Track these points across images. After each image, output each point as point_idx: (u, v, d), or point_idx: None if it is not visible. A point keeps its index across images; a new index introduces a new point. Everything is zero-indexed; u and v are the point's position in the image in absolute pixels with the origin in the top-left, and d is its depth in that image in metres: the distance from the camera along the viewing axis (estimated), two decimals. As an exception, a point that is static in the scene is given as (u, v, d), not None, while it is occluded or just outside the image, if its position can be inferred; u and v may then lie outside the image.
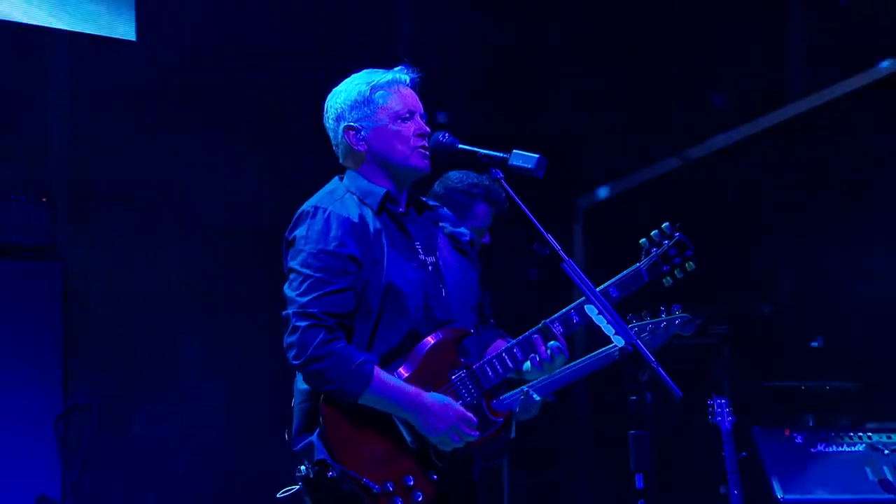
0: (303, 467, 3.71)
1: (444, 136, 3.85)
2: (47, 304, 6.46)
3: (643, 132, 8.37)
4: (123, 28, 7.35)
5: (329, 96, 3.96)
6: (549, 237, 3.65)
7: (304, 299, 3.69)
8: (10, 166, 6.78)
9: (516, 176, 3.71)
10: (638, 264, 3.85)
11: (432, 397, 3.70)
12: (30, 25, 7.06)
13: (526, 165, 3.70)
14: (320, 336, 3.65)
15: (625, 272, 3.84)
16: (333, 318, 3.69)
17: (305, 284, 3.71)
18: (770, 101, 8.20)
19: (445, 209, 4.11)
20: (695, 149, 8.40)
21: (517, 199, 3.68)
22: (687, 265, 3.84)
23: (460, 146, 3.83)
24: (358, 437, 3.69)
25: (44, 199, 6.58)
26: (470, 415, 3.73)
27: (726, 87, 8.21)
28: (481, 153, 3.77)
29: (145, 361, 7.11)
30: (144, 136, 7.22)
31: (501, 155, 3.73)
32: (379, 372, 3.68)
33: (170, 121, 7.27)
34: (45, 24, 7.13)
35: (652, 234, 3.86)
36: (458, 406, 3.72)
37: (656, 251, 3.85)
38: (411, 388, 3.70)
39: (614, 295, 3.81)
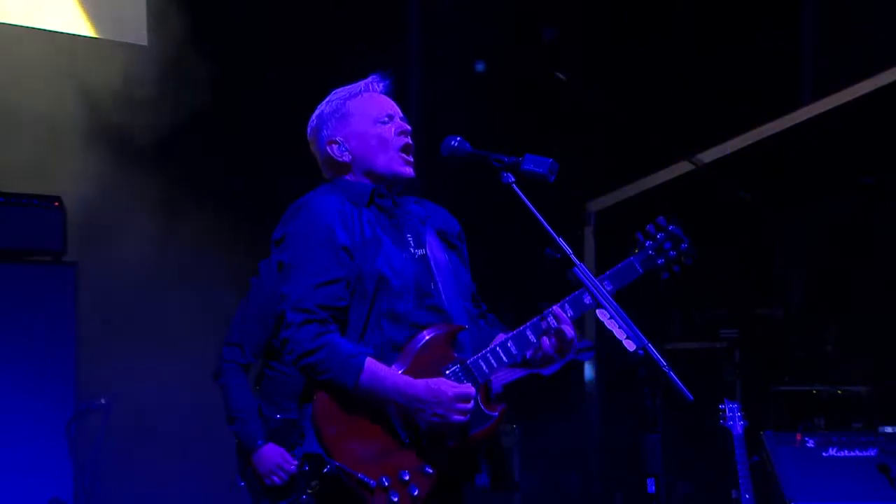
0: (306, 466, 3.74)
1: (455, 141, 3.85)
2: (60, 308, 6.48)
3: (655, 135, 8.37)
4: (135, 32, 7.40)
5: (310, 120, 3.99)
6: (561, 241, 3.65)
7: (298, 294, 3.70)
8: (22, 170, 6.80)
9: (528, 180, 3.71)
10: (631, 256, 3.85)
11: (423, 384, 3.67)
12: (43, 30, 7.11)
13: (538, 170, 3.69)
14: (313, 330, 3.66)
15: (619, 264, 3.83)
16: (327, 311, 3.69)
17: (298, 278, 3.71)
18: (783, 105, 8.20)
19: (432, 203, 4.10)
20: (707, 152, 8.40)
21: (528, 203, 3.67)
22: (683, 258, 3.84)
23: (472, 150, 3.84)
24: (352, 432, 3.68)
25: (56, 204, 6.59)
26: (463, 388, 3.69)
27: (740, 91, 8.20)
28: (493, 157, 3.76)
29: (158, 365, 7.12)
30: (157, 140, 7.25)
31: (513, 159, 3.73)
32: (371, 363, 3.67)
33: (180, 122, 7.29)
34: (57, 30, 7.18)
35: (647, 226, 3.86)
36: (449, 385, 3.68)
37: (650, 244, 3.85)
38: (402, 379, 3.68)
39: (609, 287, 3.78)
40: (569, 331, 3.77)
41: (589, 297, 3.76)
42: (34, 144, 6.85)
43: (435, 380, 3.69)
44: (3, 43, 6.93)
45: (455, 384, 3.69)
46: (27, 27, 7.07)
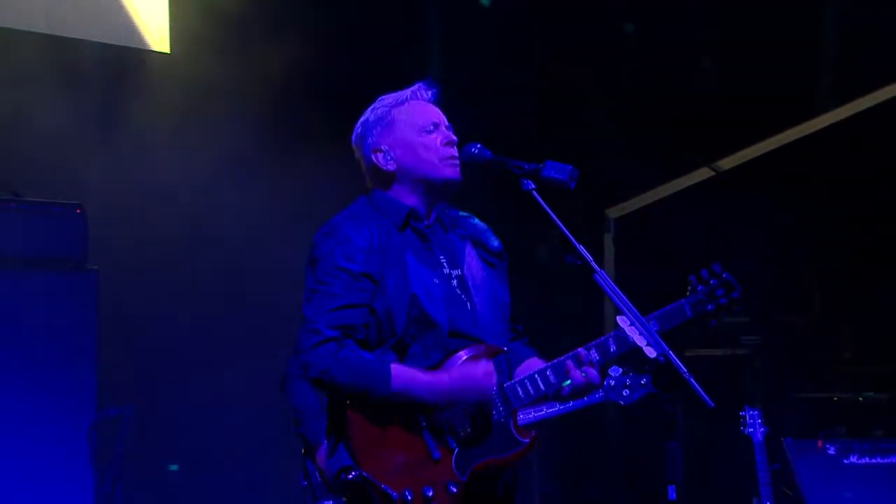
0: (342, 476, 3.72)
1: (475, 148, 3.85)
2: (81, 315, 6.48)
3: (674, 142, 8.36)
4: (158, 41, 7.43)
5: (355, 127, 3.98)
6: (581, 248, 3.63)
7: (312, 315, 3.71)
8: (43, 177, 6.82)
9: (548, 187, 3.71)
10: (682, 299, 3.80)
11: (451, 375, 3.71)
12: (65, 38, 7.14)
13: (559, 176, 3.67)
14: (328, 348, 3.66)
15: (668, 306, 3.79)
16: (340, 330, 3.69)
17: (315, 300, 3.72)
18: (802, 111, 8.18)
19: (475, 220, 4.10)
20: (726, 159, 8.39)
21: (549, 210, 3.67)
22: (733, 307, 3.82)
23: (492, 157, 3.83)
24: (382, 443, 3.69)
25: (77, 211, 6.60)
26: (486, 364, 3.75)
27: (756, 98, 8.18)
28: (513, 164, 3.75)
29: (179, 372, 7.13)
30: (178, 148, 7.27)
31: (534, 166, 3.73)
32: (397, 367, 3.68)
33: (204, 134, 7.31)
34: (79, 37, 7.21)
35: (701, 271, 3.83)
36: (471, 364, 3.73)
37: (702, 289, 3.81)
38: (432, 376, 3.70)
39: (655, 327, 3.71)
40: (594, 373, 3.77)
41: (615, 345, 3.75)
42: (55, 151, 6.87)
43: (458, 368, 3.72)
44: (18, 49, 6.96)
45: (476, 362, 3.73)
46: (45, 34, 7.10)
